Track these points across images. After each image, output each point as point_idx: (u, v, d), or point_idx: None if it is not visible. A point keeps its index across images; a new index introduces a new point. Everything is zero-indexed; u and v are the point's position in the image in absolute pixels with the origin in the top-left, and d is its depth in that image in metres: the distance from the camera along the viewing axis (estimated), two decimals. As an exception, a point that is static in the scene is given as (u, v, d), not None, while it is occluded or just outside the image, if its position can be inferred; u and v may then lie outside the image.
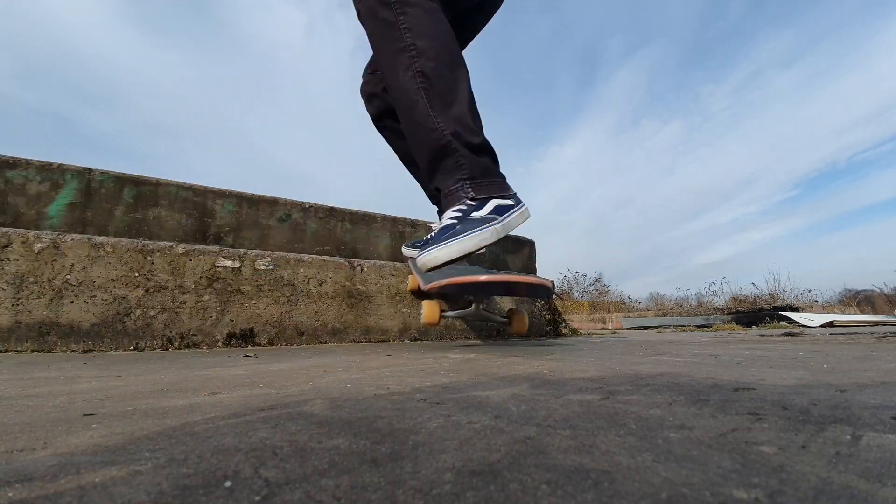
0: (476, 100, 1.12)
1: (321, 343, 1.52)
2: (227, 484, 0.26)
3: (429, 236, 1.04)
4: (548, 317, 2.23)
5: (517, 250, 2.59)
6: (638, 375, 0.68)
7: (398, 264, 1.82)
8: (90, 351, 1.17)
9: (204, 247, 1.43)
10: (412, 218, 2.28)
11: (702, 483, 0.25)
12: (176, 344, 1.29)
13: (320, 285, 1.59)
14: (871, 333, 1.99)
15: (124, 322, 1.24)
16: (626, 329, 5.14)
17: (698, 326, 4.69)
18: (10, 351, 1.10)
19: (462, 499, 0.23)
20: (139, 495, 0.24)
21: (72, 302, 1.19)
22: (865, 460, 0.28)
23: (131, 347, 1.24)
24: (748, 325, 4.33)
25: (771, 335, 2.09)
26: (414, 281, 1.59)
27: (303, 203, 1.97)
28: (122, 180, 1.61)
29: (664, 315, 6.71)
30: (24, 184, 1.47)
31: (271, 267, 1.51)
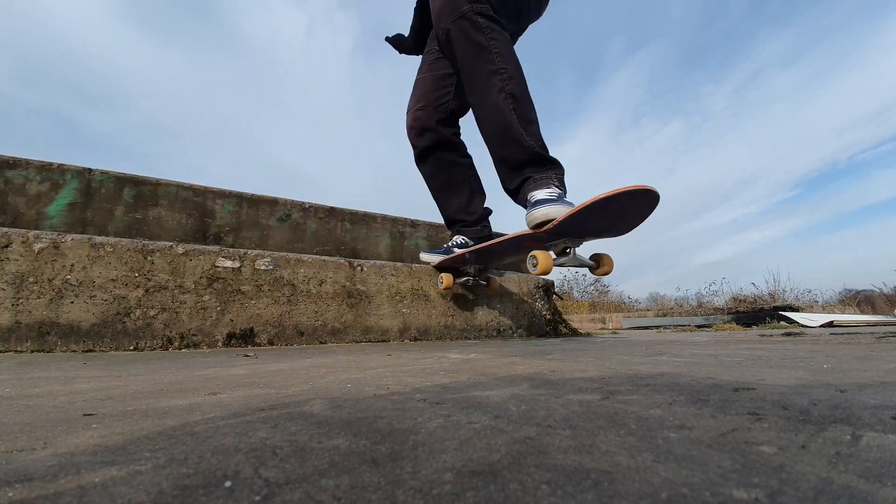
0: None
1: (321, 343, 1.52)
2: (227, 484, 0.26)
3: (552, 196, 1.22)
4: (548, 317, 2.23)
5: (517, 250, 2.59)
6: (638, 375, 0.68)
7: (398, 264, 1.82)
8: (90, 351, 1.17)
9: (204, 247, 1.43)
10: (412, 218, 2.28)
11: (702, 483, 0.25)
12: (176, 344, 1.29)
13: (320, 285, 1.59)
14: (871, 333, 1.99)
15: (124, 322, 1.24)
16: (626, 329, 5.15)
17: (698, 326, 4.69)
18: (10, 351, 1.10)
19: (462, 499, 0.23)
20: (139, 495, 0.24)
21: (72, 302, 1.19)
22: (865, 460, 0.28)
23: (131, 347, 1.24)
24: (748, 325, 4.33)
25: (771, 335, 2.09)
26: (448, 281, 1.75)
27: (303, 203, 1.97)
28: (122, 180, 1.61)
29: (664, 315, 6.71)
30: (24, 184, 1.47)
31: (271, 267, 1.51)
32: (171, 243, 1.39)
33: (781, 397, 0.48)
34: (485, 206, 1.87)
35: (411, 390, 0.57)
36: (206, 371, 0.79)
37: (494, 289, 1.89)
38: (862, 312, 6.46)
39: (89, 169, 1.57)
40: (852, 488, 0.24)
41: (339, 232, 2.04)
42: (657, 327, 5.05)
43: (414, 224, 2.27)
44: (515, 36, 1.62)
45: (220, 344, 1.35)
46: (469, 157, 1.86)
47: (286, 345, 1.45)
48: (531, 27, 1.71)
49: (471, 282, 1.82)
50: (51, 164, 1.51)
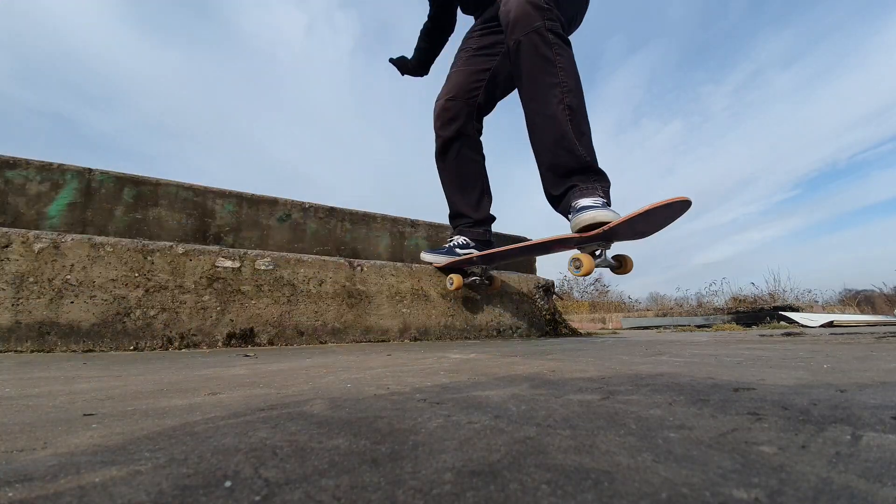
0: None
1: (321, 343, 1.52)
2: (227, 484, 0.26)
3: (596, 203, 1.30)
4: (548, 317, 2.23)
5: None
6: (638, 375, 0.68)
7: (398, 264, 1.82)
8: (90, 351, 1.17)
9: (204, 247, 1.43)
10: (412, 218, 2.28)
11: (702, 483, 0.25)
12: (176, 344, 1.29)
13: (320, 285, 1.59)
14: (871, 333, 1.99)
15: (124, 322, 1.24)
16: (626, 329, 5.14)
17: (698, 326, 4.69)
18: (10, 351, 1.10)
19: (462, 499, 0.23)
20: (139, 495, 0.24)
21: (72, 302, 1.19)
22: (865, 460, 0.28)
23: (131, 347, 1.24)
24: (748, 325, 4.33)
25: (771, 335, 2.09)
26: (459, 281, 1.81)
27: (303, 203, 1.97)
28: (122, 180, 1.61)
29: (664, 315, 6.70)
30: (24, 184, 1.47)
31: (271, 267, 1.51)
32: (171, 243, 1.39)
33: (781, 397, 0.48)
34: (490, 211, 1.93)
35: (411, 390, 0.57)
36: (206, 371, 0.79)
37: (496, 287, 1.92)
38: (862, 312, 6.46)
39: (89, 169, 1.57)
40: (852, 488, 0.24)
41: (339, 232, 2.04)
42: (657, 327, 5.04)
43: (414, 224, 2.27)
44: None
45: (220, 344, 1.35)
46: (484, 157, 1.92)
47: (286, 345, 1.45)
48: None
49: (477, 281, 1.86)
50: (51, 164, 1.51)
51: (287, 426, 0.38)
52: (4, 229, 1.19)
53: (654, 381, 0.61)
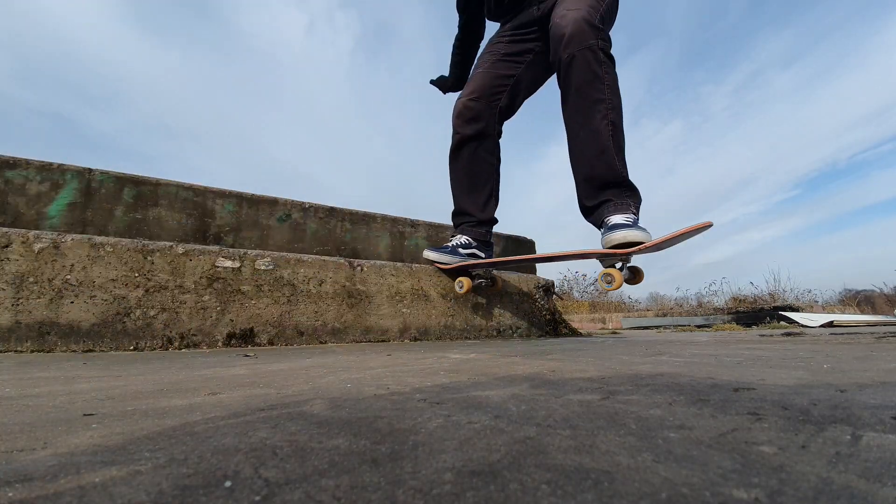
0: None
1: (321, 343, 1.52)
2: (227, 484, 0.26)
3: (628, 221, 1.38)
4: (548, 317, 2.23)
5: (518, 250, 2.59)
6: (638, 375, 0.68)
7: (398, 264, 1.82)
8: (90, 351, 1.17)
9: (204, 247, 1.43)
10: (412, 218, 2.28)
11: (702, 483, 0.25)
12: (176, 344, 1.29)
13: (320, 285, 1.59)
14: (871, 333, 1.98)
15: (124, 322, 1.24)
16: (626, 329, 5.14)
17: (698, 326, 4.68)
18: (10, 351, 1.10)
19: (462, 499, 0.23)
20: (139, 495, 0.24)
21: (72, 302, 1.19)
22: (865, 460, 0.28)
23: (131, 347, 1.24)
24: (748, 325, 4.32)
25: (771, 335, 2.09)
26: (468, 284, 1.85)
27: (303, 203, 1.97)
28: (122, 180, 1.61)
29: (664, 315, 6.70)
30: (24, 184, 1.47)
31: (271, 267, 1.51)
32: (171, 243, 1.39)
33: (781, 397, 0.48)
34: (495, 214, 1.96)
35: (411, 390, 0.57)
36: (206, 371, 0.79)
37: (498, 288, 1.96)
38: (862, 312, 6.46)
39: (89, 169, 1.57)
40: (852, 488, 0.24)
41: (339, 232, 2.04)
42: (657, 327, 5.04)
43: (414, 224, 2.27)
44: None
45: (220, 344, 1.35)
46: (500, 160, 1.94)
47: (286, 345, 1.45)
48: None
49: (483, 284, 1.90)
50: (51, 164, 1.51)
51: (287, 426, 0.38)
52: (4, 229, 1.19)
53: (654, 381, 0.61)
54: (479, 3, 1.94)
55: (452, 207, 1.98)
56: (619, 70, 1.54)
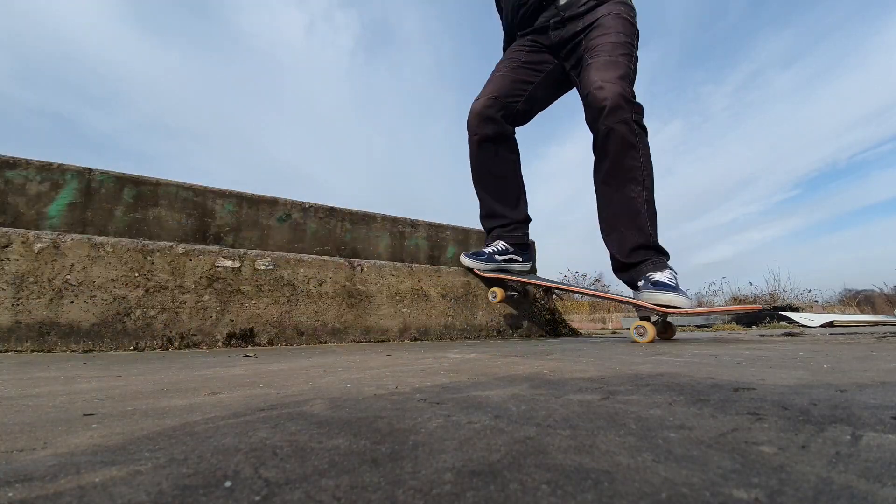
0: None
1: (321, 343, 1.52)
2: (227, 484, 0.26)
3: (671, 282, 1.47)
4: (548, 317, 2.23)
5: (517, 250, 2.59)
6: (638, 375, 0.68)
7: (398, 264, 1.82)
8: (90, 351, 1.17)
9: (204, 247, 1.43)
10: (412, 218, 2.28)
11: (702, 483, 0.25)
12: (176, 344, 1.29)
13: (320, 285, 1.59)
14: (871, 333, 1.98)
15: (124, 322, 1.24)
16: (626, 329, 5.14)
17: (698, 326, 4.68)
18: (10, 351, 1.10)
19: (462, 499, 0.23)
20: (139, 495, 0.24)
21: (72, 302, 1.19)
22: (865, 460, 0.28)
23: (131, 347, 1.24)
24: (748, 325, 4.32)
25: (771, 335, 2.09)
26: (502, 295, 1.88)
27: (303, 203, 1.97)
28: (122, 180, 1.61)
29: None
30: (24, 184, 1.47)
31: (271, 267, 1.51)
32: (171, 243, 1.39)
33: (781, 397, 0.48)
34: (528, 211, 1.97)
35: (411, 390, 0.57)
36: (206, 371, 0.79)
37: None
38: (862, 312, 6.45)
39: (89, 169, 1.57)
40: (852, 488, 0.24)
41: (339, 232, 2.04)
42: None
43: (414, 224, 2.27)
44: None
45: (220, 344, 1.35)
46: (518, 153, 1.94)
47: (286, 345, 1.45)
48: None
49: (515, 296, 1.95)
50: (51, 164, 1.51)
51: (287, 426, 0.38)
52: (4, 229, 1.19)
53: (654, 381, 0.61)
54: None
55: (480, 211, 1.96)
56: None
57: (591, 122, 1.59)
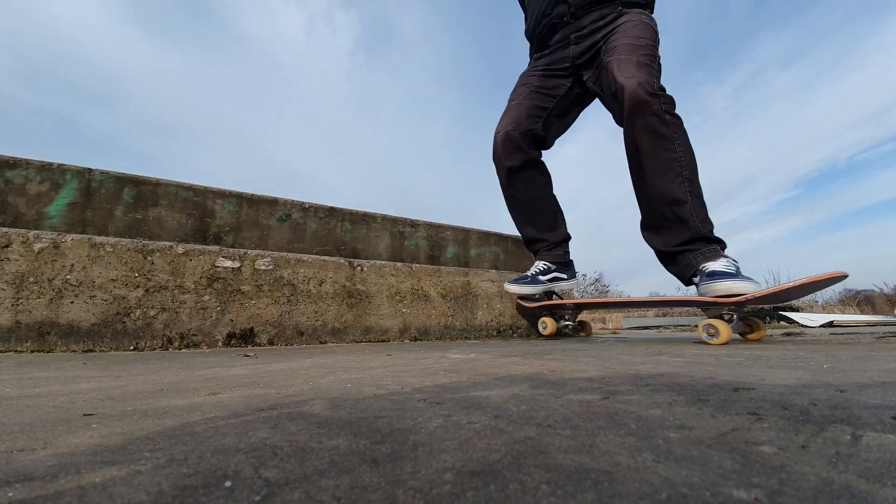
0: None
1: (321, 343, 1.52)
2: (227, 484, 0.26)
3: (729, 269, 1.36)
4: (548, 317, 2.23)
5: (518, 250, 2.59)
6: (638, 375, 0.68)
7: (398, 264, 1.82)
8: (90, 351, 1.17)
9: (204, 247, 1.43)
10: (412, 218, 2.28)
11: (702, 483, 0.25)
12: (176, 344, 1.29)
13: (320, 285, 1.59)
14: (871, 333, 1.98)
15: (124, 322, 1.24)
16: (627, 329, 5.14)
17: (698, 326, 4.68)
18: (10, 351, 1.10)
19: (462, 499, 0.23)
20: (139, 495, 0.24)
21: (72, 302, 1.19)
22: (865, 460, 0.28)
23: (131, 347, 1.24)
24: (748, 325, 4.32)
25: (771, 335, 2.09)
26: (553, 326, 1.78)
27: (303, 203, 1.97)
28: (122, 180, 1.61)
29: (664, 315, 6.70)
30: (24, 184, 1.47)
31: (271, 267, 1.51)
32: (171, 243, 1.39)
33: (781, 397, 0.48)
34: (567, 230, 1.93)
35: (411, 390, 0.57)
36: (206, 371, 0.79)
37: (588, 333, 1.89)
38: (862, 312, 6.45)
39: (89, 169, 1.57)
40: (852, 488, 0.24)
41: (339, 232, 2.04)
42: (657, 327, 5.04)
43: (414, 224, 2.27)
44: None
45: (220, 344, 1.35)
46: (549, 175, 1.92)
47: (286, 345, 1.45)
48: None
49: (569, 328, 1.83)
50: (51, 164, 1.52)
51: (287, 426, 0.38)
52: (4, 229, 1.19)
53: (654, 381, 0.61)
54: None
55: (522, 237, 1.96)
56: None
57: (620, 119, 1.57)
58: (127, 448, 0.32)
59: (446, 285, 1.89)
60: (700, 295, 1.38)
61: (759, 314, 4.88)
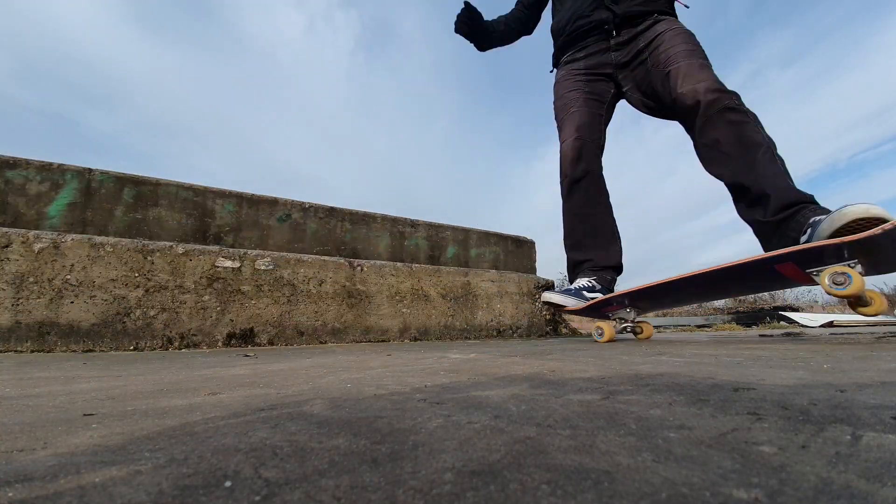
0: None
1: (321, 343, 1.52)
2: (227, 484, 0.26)
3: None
4: (548, 317, 2.23)
5: (518, 250, 2.59)
6: (638, 375, 0.68)
7: (398, 264, 1.82)
8: (90, 351, 1.17)
9: (204, 247, 1.43)
10: (412, 218, 2.28)
11: (702, 483, 0.25)
12: (176, 344, 1.29)
13: (320, 285, 1.59)
14: (871, 333, 1.98)
15: (124, 322, 1.24)
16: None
17: (698, 326, 4.69)
18: (10, 351, 1.10)
19: (462, 499, 0.23)
20: (139, 495, 0.24)
21: (72, 302, 1.19)
22: (865, 460, 0.28)
23: (131, 347, 1.24)
24: (748, 325, 4.33)
25: (771, 335, 2.09)
26: (610, 332, 1.60)
27: (303, 203, 1.97)
28: (122, 180, 1.61)
29: (664, 315, 6.71)
30: (24, 184, 1.47)
31: (271, 267, 1.51)
32: (171, 243, 1.39)
33: (781, 397, 0.48)
34: (622, 259, 1.81)
35: (411, 390, 0.57)
36: (206, 371, 0.79)
37: (648, 335, 1.77)
38: (862, 312, 6.43)
39: (89, 169, 1.57)
40: (852, 488, 0.24)
41: (339, 232, 2.04)
42: (657, 327, 5.05)
43: (414, 224, 2.27)
44: None
45: (220, 344, 1.35)
46: (608, 193, 1.85)
47: (286, 345, 1.45)
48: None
49: (628, 329, 1.72)
50: (51, 164, 1.51)
51: (287, 426, 0.39)
52: (4, 229, 1.19)
53: (654, 381, 0.61)
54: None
55: (567, 258, 1.85)
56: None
57: (690, 122, 1.57)
58: (127, 448, 0.32)
59: (446, 285, 1.89)
60: (817, 238, 1.12)
61: (759, 314, 4.89)
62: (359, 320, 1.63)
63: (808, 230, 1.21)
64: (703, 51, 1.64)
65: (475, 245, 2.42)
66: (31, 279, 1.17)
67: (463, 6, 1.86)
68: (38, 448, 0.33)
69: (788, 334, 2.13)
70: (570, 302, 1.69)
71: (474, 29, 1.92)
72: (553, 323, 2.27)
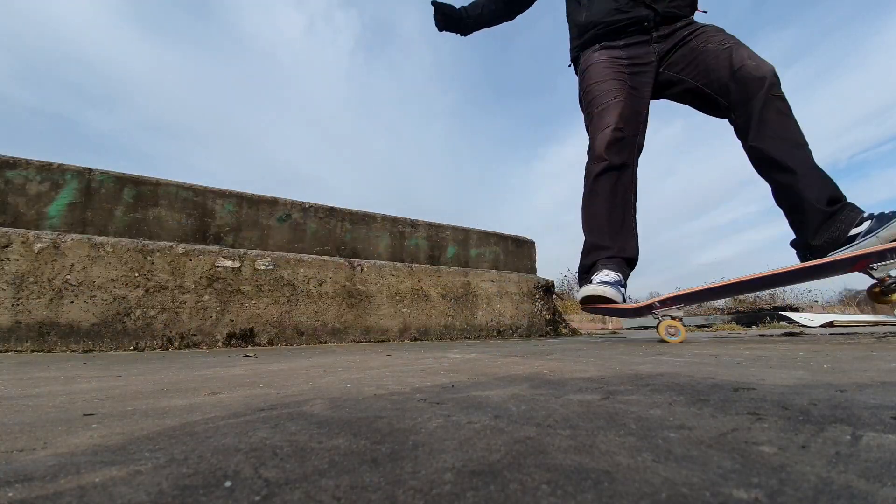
0: None
1: (321, 343, 1.52)
2: (227, 484, 0.26)
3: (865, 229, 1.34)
4: (548, 317, 2.23)
5: (518, 250, 2.59)
6: (638, 375, 0.68)
7: (398, 264, 1.82)
8: (90, 351, 1.17)
9: (204, 247, 1.43)
10: (412, 218, 2.28)
11: (702, 483, 0.25)
12: (176, 344, 1.29)
13: (320, 285, 1.59)
14: (871, 333, 1.98)
15: (124, 322, 1.24)
16: (627, 329, 5.14)
17: (698, 326, 4.69)
18: (10, 351, 1.10)
19: (462, 499, 0.23)
20: (139, 495, 0.24)
21: (72, 302, 1.19)
22: (865, 460, 0.28)
23: (131, 347, 1.24)
24: (748, 325, 4.33)
25: (771, 335, 2.09)
26: (684, 333, 1.55)
27: (303, 203, 1.97)
28: (122, 180, 1.61)
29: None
30: (24, 184, 1.47)
31: (271, 267, 1.51)
32: (171, 243, 1.39)
33: (781, 397, 0.48)
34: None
35: (411, 390, 0.57)
36: (206, 371, 0.79)
37: (684, 337, 1.65)
38: (862, 312, 6.45)
39: (89, 169, 1.57)
40: (852, 488, 0.24)
41: (339, 232, 2.04)
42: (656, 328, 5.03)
43: (414, 224, 2.27)
44: None
45: (220, 344, 1.35)
46: (637, 196, 1.80)
47: (286, 345, 1.45)
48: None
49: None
50: (51, 164, 1.51)
51: (287, 426, 0.39)
52: (4, 229, 1.19)
53: (654, 381, 0.61)
54: None
55: (583, 245, 1.76)
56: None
57: (746, 95, 1.60)
58: (127, 448, 0.32)
59: (446, 285, 1.89)
60: (868, 244, 1.26)
61: (759, 314, 4.89)
62: (359, 320, 1.63)
63: (867, 224, 1.32)
64: None
65: (475, 245, 2.42)
66: (31, 279, 1.17)
67: (432, 6, 1.95)
68: (39, 448, 0.33)
69: (788, 334, 2.13)
70: (620, 297, 1.53)
71: (450, 21, 2.00)
72: (553, 323, 2.26)
